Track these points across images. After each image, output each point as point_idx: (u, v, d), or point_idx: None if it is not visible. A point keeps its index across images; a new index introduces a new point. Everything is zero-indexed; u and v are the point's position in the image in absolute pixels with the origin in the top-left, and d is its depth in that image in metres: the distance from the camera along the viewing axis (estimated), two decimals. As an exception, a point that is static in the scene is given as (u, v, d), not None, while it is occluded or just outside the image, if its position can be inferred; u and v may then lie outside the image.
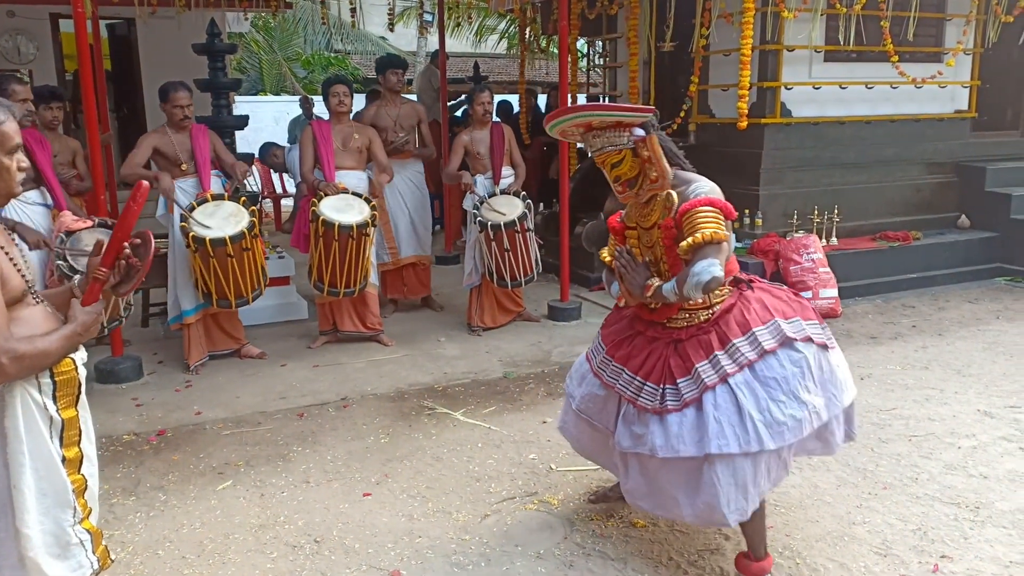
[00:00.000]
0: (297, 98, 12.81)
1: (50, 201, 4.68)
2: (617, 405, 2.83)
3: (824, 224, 6.78)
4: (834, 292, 6.15)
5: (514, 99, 10.65)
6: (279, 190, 11.04)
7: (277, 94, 18.87)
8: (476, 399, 4.59)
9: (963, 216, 7.56)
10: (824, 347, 2.70)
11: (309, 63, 20.04)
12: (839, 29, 6.48)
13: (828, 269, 6.21)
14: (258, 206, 6.14)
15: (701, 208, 2.55)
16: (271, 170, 10.63)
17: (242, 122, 7.30)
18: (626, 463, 2.76)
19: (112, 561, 2.24)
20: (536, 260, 5.79)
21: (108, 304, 2.08)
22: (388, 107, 6.07)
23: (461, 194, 6.19)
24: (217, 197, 4.96)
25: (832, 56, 6.86)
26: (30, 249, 4.28)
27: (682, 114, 7.23)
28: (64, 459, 1.99)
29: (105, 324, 4.17)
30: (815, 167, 7.00)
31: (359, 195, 5.32)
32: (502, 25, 18.62)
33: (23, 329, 1.88)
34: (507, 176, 5.86)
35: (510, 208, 5.60)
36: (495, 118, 6.01)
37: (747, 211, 6.72)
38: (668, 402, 2.62)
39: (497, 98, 7.43)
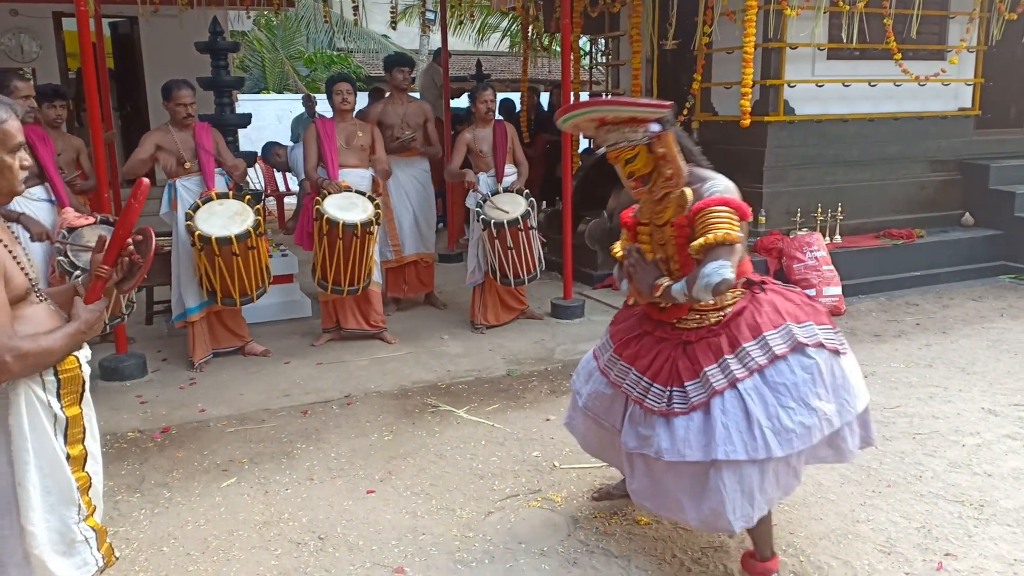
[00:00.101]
0: (300, 96, 12.83)
1: (54, 197, 4.68)
2: (624, 404, 2.78)
3: (828, 222, 6.77)
4: (838, 290, 6.14)
5: (516, 97, 10.64)
6: (282, 188, 11.05)
7: (280, 92, 18.89)
8: (480, 397, 4.60)
9: (967, 214, 7.55)
10: (836, 352, 2.63)
11: (311, 61, 20.05)
12: (842, 27, 6.46)
13: (832, 267, 6.20)
14: (262, 204, 6.14)
15: (715, 208, 2.49)
16: (274, 169, 10.63)
17: (245, 120, 7.29)
18: (632, 463, 2.72)
19: (117, 558, 2.25)
20: (539, 258, 5.79)
21: (110, 301, 2.08)
22: (395, 105, 6.09)
23: (464, 192, 6.19)
24: (221, 195, 4.97)
25: (835, 54, 6.85)
26: (32, 240, 4.27)
27: (685, 112, 7.21)
28: (68, 456, 1.99)
29: (107, 322, 4.17)
30: (818, 165, 6.99)
31: (363, 193, 5.32)
32: (504, 23, 18.65)
33: (27, 327, 1.88)
34: (510, 174, 5.87)
35: (513, 206, 5.60)
36: (497, 116, 6.01)
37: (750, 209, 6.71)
38: (675, 405, 2.58)
39: (499, 96, 7.43)
